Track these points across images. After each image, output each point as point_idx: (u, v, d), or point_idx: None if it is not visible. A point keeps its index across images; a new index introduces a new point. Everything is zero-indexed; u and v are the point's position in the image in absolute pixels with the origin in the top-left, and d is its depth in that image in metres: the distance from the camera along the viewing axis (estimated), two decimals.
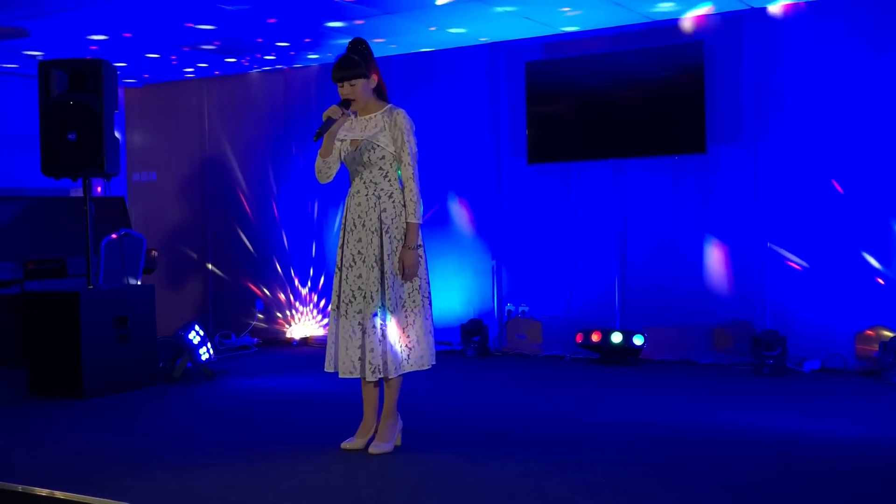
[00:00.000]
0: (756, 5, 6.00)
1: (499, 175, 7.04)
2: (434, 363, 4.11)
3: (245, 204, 8.17)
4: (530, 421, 4.69)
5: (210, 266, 8.36)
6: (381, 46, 6.83)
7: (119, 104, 6.00)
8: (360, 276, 3.99)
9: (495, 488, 3.51)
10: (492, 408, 5.05)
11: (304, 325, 7.86)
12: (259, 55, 7.26)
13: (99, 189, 7.97)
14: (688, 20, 6.24)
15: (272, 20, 6.05)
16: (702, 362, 6.26)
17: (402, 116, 4.02)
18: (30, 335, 5.69)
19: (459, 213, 7.18)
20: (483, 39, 6.85)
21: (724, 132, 6.23)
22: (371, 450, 4.03)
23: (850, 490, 3.43)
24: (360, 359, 3.97)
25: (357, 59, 3.99)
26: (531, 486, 3.53)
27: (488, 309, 7.08)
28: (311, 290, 7.86)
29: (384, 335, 3.95)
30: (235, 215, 8.22)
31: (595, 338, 6.36)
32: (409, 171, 4.00)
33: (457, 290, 7.16)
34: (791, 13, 6.00)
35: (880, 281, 5.78)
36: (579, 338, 6.43)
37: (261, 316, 8.01)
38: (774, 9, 6.02)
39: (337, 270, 4.07)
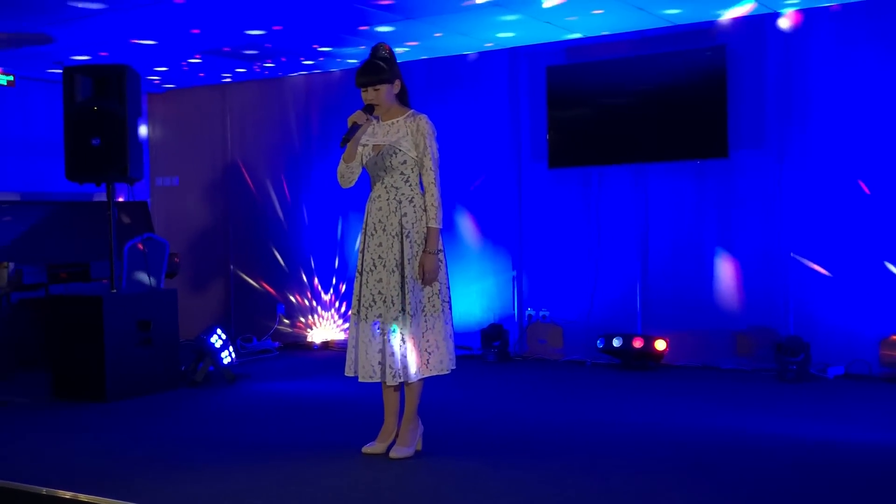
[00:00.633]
0: (779, 9, 5.96)
1: (519, 179, 7.04)
2: (454, 368, 4.11)
3: (267, 208, 8.21)
4: (551, 426, 4.67)
5: (232, 270, 8.40)
6: (402, 51, 6.84)
7: (142, 109, 6.03)
8: (380, 281, 4.00)
9: (516, 494, 3.51)
10: (512, 413, 5.04)
11: (325, 329, 7.88)
12: (283, 59, 7.29)
13: (122, 198, 8.03)
14: (710, 24, 6.22)
15: (294, 26, 6.08)
16: (724, 368, 6.22)
17: (424, 122, 4.03)
18: (53, 338, 5.73)
19: (480, 217, 7.17)
20: (504, 44, 6.85)
21: (747, 136, 6.19)
22: (392, 454, 4.04)
23: (874, 498, 3.40)
24: (379, 363, 3.98)
25: (381, 65, 4.00)
26: (552, 492, 3.52)
27: (509, 313, 7.07)
28: (333, 295, 7.87)
29: (404, 339, 3.95)
30: (257, 220, 8.25)
31: (616, 342, 6.33)
32: (430, 175, 4.01)
33: (477, 294, 7.15)
34: (814, 16, 5.96)
35: None
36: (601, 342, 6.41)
37: (286, 321, 8.04)
38: (798, 12, 5.98)
39: (357, 274, 4.08)
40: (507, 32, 6.43)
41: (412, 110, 4.10)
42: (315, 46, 6.77)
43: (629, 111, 6.47)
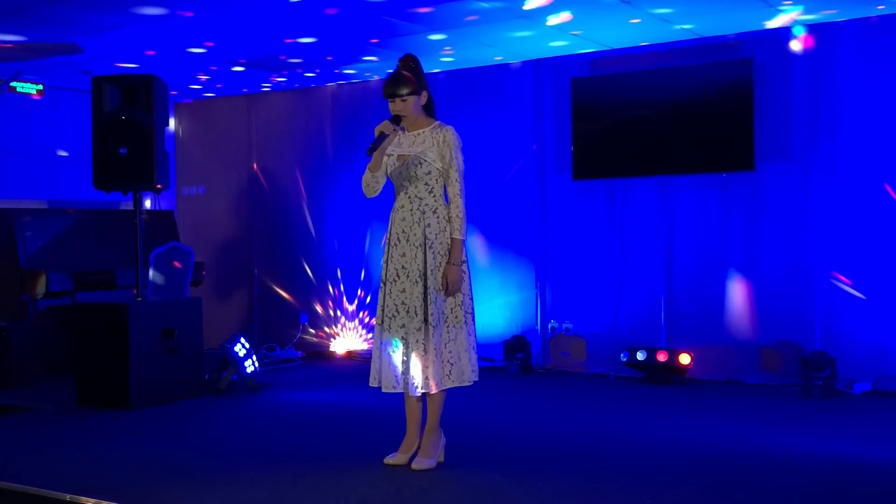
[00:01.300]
0: (807, 22, 5.93)
1: (543, 191, 7.02)
2: (476, 379, 4.10)
3: (291, 218, 8.24)
4: (574, 440, 4.65)
5: (256, 279, 8.43)
6: (428, 62, 6.86)
7: (169, 119, 6.08)
8: (403, 291, 4.00)
9: None
10: (535, 426, 5.02)
11: (347, 338, 7.89)
12: (307, 71, 7.33)
13: (148, 203, 8.09)
14: (737, 37, 6.19)
15: (319, 36, 6.11)
16: (749, 382, 6.17)
17: (450, 133, 4.03)
18: (79, 345, 5.78)
19: (504, 228, 7.16)
20: (529, 56, 6.85)
21: (773, 149, 6.15)
22: (414, 466, 4.03)
23: None
24: (402, 374, 3.98)
25: (409, 76, 4.02)
26: None
27: (531, 325, 7.05)
28: (356, 305, 7.89)
29: (426, 350, 3.95)
30: (282, 229, 8.29)
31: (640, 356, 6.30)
32: (456, 187, 4.01)
33: (500, 305, 7.14)
34: (842, 29, 5.92)
35: None
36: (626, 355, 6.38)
37: (312, 330, 8.06)
38: (825, 25, 5.94)
39: (382, 285, 4.09)
40: (532, 44, 6.43)
41: (438, 122, 4.11)
42: (340, 58, 6.80)
43: (654, 123, 6.45)
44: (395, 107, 4.02)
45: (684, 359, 6.17)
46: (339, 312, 7.96)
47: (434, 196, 4.04)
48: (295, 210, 8.23)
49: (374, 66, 7.16)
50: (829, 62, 5.98)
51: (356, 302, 7.87)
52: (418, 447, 4.11)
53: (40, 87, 7.52)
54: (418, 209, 4.02)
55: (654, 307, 6.57)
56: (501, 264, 7.15)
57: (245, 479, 3.95)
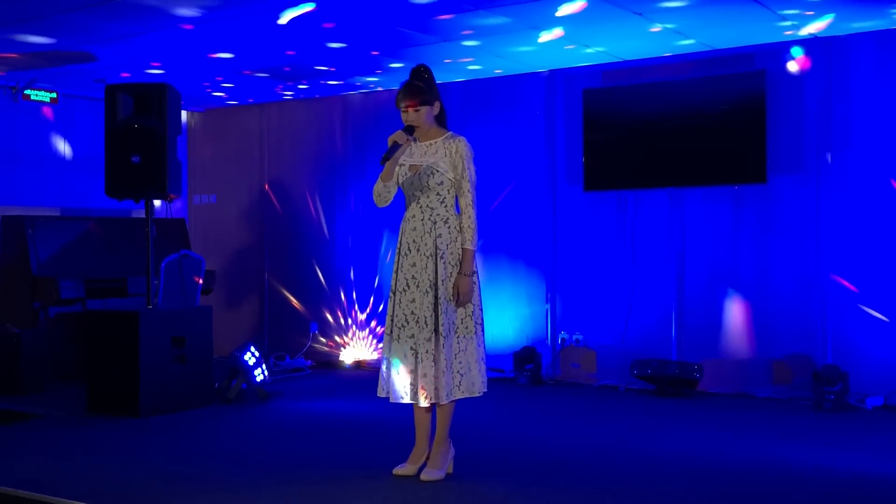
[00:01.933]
0: (820, 35, 5.92)
1: (554, 202, 7.02)
2: (485, 390, 4.09)
3: (302, 227, 8.25)
4: (583, 452, 4.63)
5: (267, 288, 8.44)
6: (440, 73, 6.86)
7: (181, 128, 6.10)
8: (413, 301, 3.99)
9: None
10: (545, 437, 5.00)
11: (357, 348, 7.89)
12: (320, 81, 7.35)
13: (158, 203, 8.11)
14: (750, 49, 6.18)
15: (334, 45, 6.13)
16: (760, 396, 6.14)
17: (462, 144, 4.04)
18: (89, 353, 5.79)
19: (514, 239, 7.15)
20: (541, 67, 6.85)
21: (785, 162, 6.14)
22: (423, 476, 4.02)
23: None
24: (411, 384, 3.97)
25: (422, 87, 4.03)
26: None
27: (542, 337, 7.04)
28: (363, 315, 7.88)
29: (436, 361, 3.94)
30: (293, 238, 8.30)
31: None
32: (468, 197, 4.01)
33: (510, 316, 7.13)
34: (856, 42, 5.90)
35: None
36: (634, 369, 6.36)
37: (322, 339, 8.06)
38: (839, 38, 5.93)
39: (391, 294, 4.08)
40: (544, 55, 6.43)
41: (450, 132, 4.12)
42: (352, 68, 6.81)
43: (666, 135, 6.44)
44: (407, 117, 4.03)
45: (695, 371, 6.14)
46: (351, 321, 7.96)
47: (445, 206, 4.04)
48: (306, 219, 8.24)
49: (384, 77, 7.18)
50: (842, 74, 5.96)
51: (367, 312, 7.87)
52: (427, 458, 4.10)
53: (54, 95, 7.56)
54: (430, 219, 4.02)
55: (665, 319, 6.55)
56: (512, 275, 7.14)
57: (254, 488, 3.95)
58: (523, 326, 7.10)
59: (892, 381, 5.75)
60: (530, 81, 7.09)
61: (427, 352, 3.92)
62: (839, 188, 5.98)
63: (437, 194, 4.03)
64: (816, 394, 5.69)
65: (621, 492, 3.85)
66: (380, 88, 7.70)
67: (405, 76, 4.15)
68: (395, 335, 4.03)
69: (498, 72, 7.03)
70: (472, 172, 4.04)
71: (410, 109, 4.02)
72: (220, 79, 7.23)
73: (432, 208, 4.03)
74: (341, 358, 7.89)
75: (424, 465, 4.09)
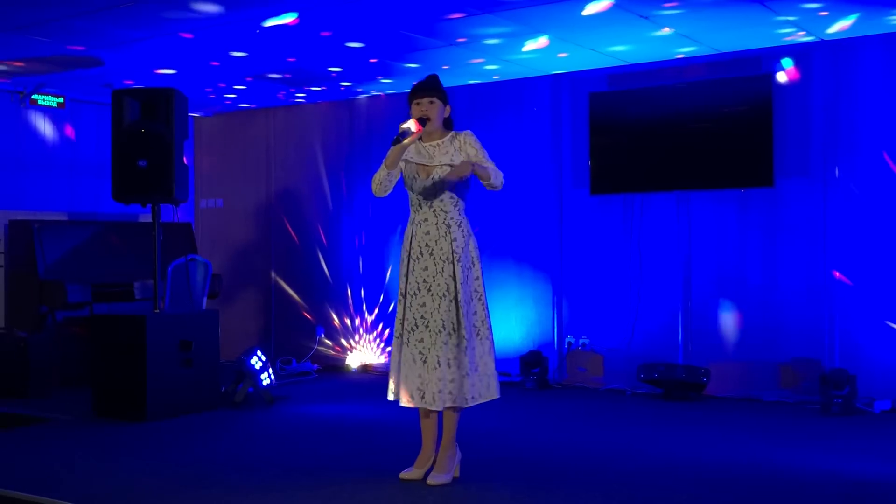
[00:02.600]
0: (827, 38, 5.91)
1: (560, 205, 7.01)
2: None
3: (309, 231, 8.26)
4: (590, 457, 4.62)
5: (273, 292, 8.45)
6: (445, 77, 6.87)
7: (188, 132, 6.12)
8: (423, 305, 4.00)
9: None
10: (551, 441, 5.00)
11: (364, 352, 7.89)
12: (325, 86, 7.36)
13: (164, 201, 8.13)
14: (756, 52, 6.18)
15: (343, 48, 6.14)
16: (767, 400, 6.12)
17: (469, 134, 4.11)
18: (97, 357, 5.80)
19: (521, 242, 7.15)
20: (546, 70, 6.85)
21: (792, 165, 6.13)
22: (429, 481, 4.02)
23: None
24: (418, 388, 3.97)
25: (439, 84, 4.12)
26: None
27: (548, 340, 7.03)
28: (369, 319, 7.89)
29: (458, 364, 3.94)
30: (299, 243, 8.31)
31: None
32: (491, 164, 4.03)
33: (517, 320, 7.13)
34: (863, 45, 5.89)
35: None
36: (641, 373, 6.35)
37: (329, 343, 8.06)
38: (846, 41, 5.92)
39: (401, 298, 4.08)
40: (550, 59, 6.44)
41: (453, 131, 4.14)
42: (359, 72, 6.82)
43: (672, 138, 6.43)
44: (421, 106, 4.04)
45: (702, 375, 6.12)
46: (356, 325, 7.96)
47: (458, 209, 4.06)
48: (312, 223, 8.25)
49: (391, 81, 7.19)
50: (849, 77, 5.95)
51: (373, 316, 7.87)
52: (434, 462, 4.10)
53: (61, 99, 7.59)
54: (444, 223, 4.02)
55: (672, 323, 6.54)
56: (518, 279, 7.14)
57: (260, 491, 3.95)
58: (530, 330, 7.10)
59: None
60: (536, 85, 7.09)
61: (444, 356, 3.92)
62: (846, 191, 5.97)
63: (451, 197, 4.04)
64: (824, 397, 5.67)
65: (628, 497, 3.84)
66: (384, 93, 7.71)
67: (412, 79, 4.18)
68: (404, 339, 4.03)
69: (496, 77, 7.05)
70: (485, 152, 4.09)
71: (425, 100, 4.03)
72: (229, 83, 7.24)
73: (446, 212, 4.04)
74: (348, 362, 7.90)
75: (431, 469, 4.09)
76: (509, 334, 7.08)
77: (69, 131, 7.85)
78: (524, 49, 6.11)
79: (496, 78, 7.09)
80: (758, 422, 5.49)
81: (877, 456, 4.58)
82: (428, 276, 4.00)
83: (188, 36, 5.60)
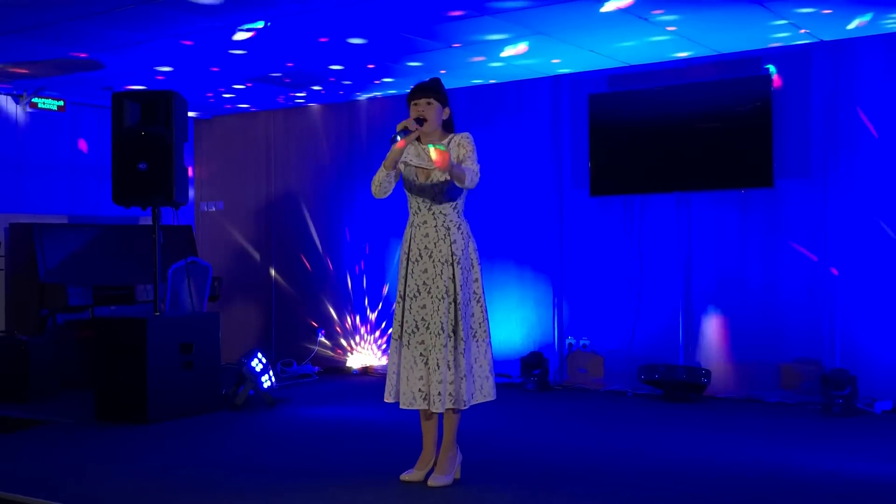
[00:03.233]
0: (826, 38, 5.91)
1: (561, 207, 7.02)
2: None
3: (309, 233, 8.26)
4: (591, 458, 4.62)
5: (274, 294, 8.45)
6: (445, 79, 6.88)
7: (188, 135, 6.12)
8: (423, 307, 4.00)
9: None
10: (552, 443, 4.99)
11: (364, 354, 7.89)
12: (324, 90, 7.37)
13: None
14: (756, 53, 6.18)
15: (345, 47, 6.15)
16: (768, 401, 6.12)
17: (465, 135, 4.07)
18: (97, 360, 5.80)
19: (521, 244, 7.15)
20: (546, 72, 6.85)
21: (792, 166, 6.13)
22: (430, 482, 4.02)
23: None
24: (420, 390, 3.97)
25: (438, 85, 4.10)
26: None
27: (549, 342, 7.03)
28: (369, 321, 7.89)
29: (456, 366, 3.94)
30: (299, 244, 8.31)
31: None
32: (473, 167, 3.95)
33: (517, 322, 7.13)
34: (862, 46, 5.89)
35: None
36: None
37: (330, 345, 8.06)
38: (845, 41, 5.92)
39: (399, 299, 4.08)
40: (550, 60, 6.44)
41: (453, 133, 4.14)
42: (358, 75, 6.83)
43: (672, 139, 6.44)
44: (419, 107, 4.04)
45: (702, 376, 6.12)
46: (357, 327, 7.96)
47: (457, 211, 4.06)
48: (313, 226, 8.25)
49: (391, 83, 7.19)
50: (849, 77, 5.95)
51: (374, 318, 7.87)
52: (435, 464, 4.10)
53: (61, 102, 7.59)
54: (443, 226, 4.02)
55: (672, 324, 6.54)
56: (519, 280, 7.14)
57: (261, 494, 3.95)
58: (530, 332, 7.10)
59: None
60: (536, 87, 7.09)
61: (444, 358, 3.92)
62: (846, 192, 5.97)
63: (450, 200, 4.04)
64: (825, 398, 5.67)
65: (629, 498, 3.84)
66: (383, 94, 7.71)
67: (412, 82, 4.18)
68: (405, 341, 4.03)
69: (492, 81, 7.06)
70: (474, 159, 4.00)
71: (423, 101, 4.03)
72: (229, 86, 7.24)
73: (445, 214, 4.04)
74: (348, 364, 7.90)
75: (432, 470, 4.09)
76: (510, 336, 7.08)
77: (69, 134, 7.85)
78: (502, 55, 6.13)
79: (492, 81, 7.09)
80: (759, 422, 5.49)
81: (878, 456, 4.58)
82: (427, 278, 4.00)
83: (189, 43, 5.60)
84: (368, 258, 7.93)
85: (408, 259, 4.08)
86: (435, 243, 4.01)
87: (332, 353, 8.07)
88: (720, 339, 6.38)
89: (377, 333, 7.85)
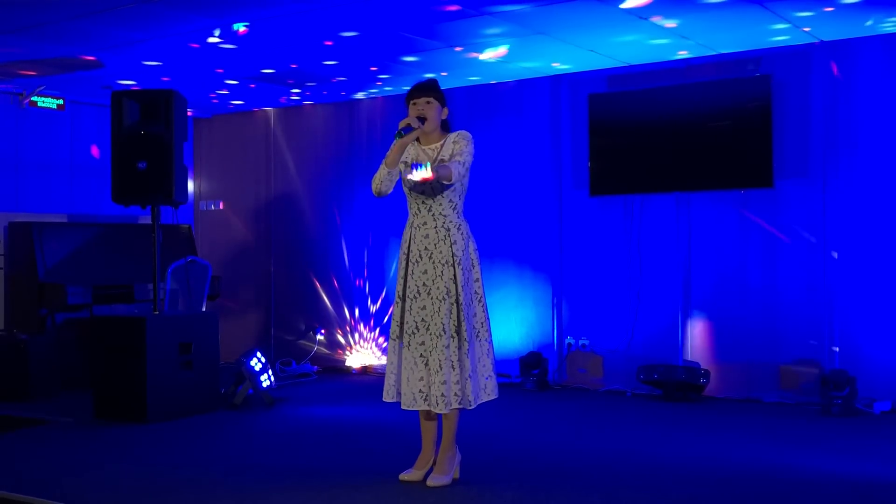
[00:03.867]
0: (826, 38, 5.91)
1: (560, 207, 7.01)
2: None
3: (309, 233, 8.26)
4: (590, 458, 4.62)
5: (273, 293, 8.45)
6: (444, 79, 6.88)
7: (188, 134, 6.12)
8: (423, 308, 4.00)
9: None
10: (551, 443, 5.00)
11: (363, 353, 7.89)
12: (324, 89, 7.36)
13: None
14: (755, 53, 6.18)
15: (340, 53, 6.15)
16: (767, 401, 6.12)
17: (463, 133, 4.08)
18: (96, 359, 5.80)
19: (520, 244, 7.15)
20: (546, 72, 6.85)
21: (791, 166, 6.13)
22: (429, 482, 4.02)
23: None
24: (420, 391, 3.97)
25: (437, 85, 4.10)
26: None
27: (548, 342, 7.03)
28: (370, 321, 7.89)
29: (460, 366, 3.94)
30: (299, 244, 8.31)
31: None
32: (460, 168, 3.94)
33: (516, 321, 7.13)
34: (862, 46, 5.89)
35: None
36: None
37: (329, 344, 8.06)
38: (845, 41, 5.92)
39: (398, 300, 4.08)
40: (549, 60, 6.44)
41: (451, 133, 4.15)
42: (359, 74, 6.83)
43: (672, 140, 6.44)
44: (418, 106, 4.03)
45: (702, 377, 6.12)
46: (356, 326, 7.96)
47: (456, 212, 4.05)
48: (312, 225, 8.25)
49: (391, 83, 7.19)
50: (848, 78, 5.95)
51: (373, 317, 7.87)
52: (434, 463, 4.10)
53: (61, 101, 7.59)
54: (443, 227, 4.02)
55: (672, 324, 6.54)
56: (518, 280, 7.14)
57: (260, 494, 3.95)
58: (529, 331, 7.10)
59: None
60: (535, 87, 7.09)
61: (446, 359, 3.92)
62: (846, 192, 5.97)
63: (450, 201, 4.04)
64: (824, 399, 5.67)
65: (628, 498, 3.84)
66: (383, 91, 7.71)
67: (412, 80, 4.18)
68: (405, 341, 4.03)
69: (492, 82, 7.06)
70: (469, 153, 3.99)
71: (422, 100, 4.03)
72: (229, 85, 7.24)
73: (445, 215, 4.03)
74: (347, 363, 7.90)
75: (431, 470, 4.09)
76: (509, 335, 7.08)
77: (68, 133, 7.85)
78: (481, 57, 6.14)
79: (492, 81, 7.10)
80: (758, 423, 5.49)
81: (877, 457, 4.58)
82: (427, 279, 4.00)
83: (194, 46, 5.60)
84: (368, 257, 7.93)
85: (407, 260, 4.07)
86: (435, 244, 4.01)
87: (331, 353, 8.06)
88: (719, 340, 6.37)
89: (377, 332, 7.85)
